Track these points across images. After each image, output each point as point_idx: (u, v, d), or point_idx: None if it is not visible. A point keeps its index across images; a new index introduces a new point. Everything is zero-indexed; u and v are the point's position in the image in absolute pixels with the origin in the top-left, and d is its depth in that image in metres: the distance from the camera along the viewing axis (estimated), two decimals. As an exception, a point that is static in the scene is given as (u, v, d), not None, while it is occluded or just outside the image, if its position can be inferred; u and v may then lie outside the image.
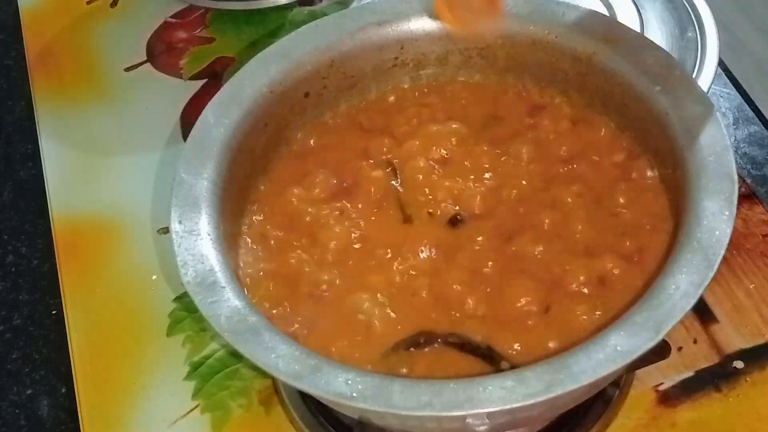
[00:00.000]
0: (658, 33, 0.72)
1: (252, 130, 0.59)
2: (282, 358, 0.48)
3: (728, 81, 0.78)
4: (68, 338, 0.68)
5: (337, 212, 0.59)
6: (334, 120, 0.64)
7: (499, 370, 0.51)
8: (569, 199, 0.57)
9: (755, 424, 0.60)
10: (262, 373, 0.63)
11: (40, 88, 0.84)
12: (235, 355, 0.65)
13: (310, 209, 0.59)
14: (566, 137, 0.61)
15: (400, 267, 0.56)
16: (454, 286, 0.54)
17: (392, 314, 0.54)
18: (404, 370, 0.52)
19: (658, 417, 0.61)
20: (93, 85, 0.84)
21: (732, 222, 0.50)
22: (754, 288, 0.65)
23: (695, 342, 0.64)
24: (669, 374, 0.62)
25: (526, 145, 0.61)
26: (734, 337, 0.63)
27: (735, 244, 0.67)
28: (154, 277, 0.70)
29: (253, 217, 0.59)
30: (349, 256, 0.57)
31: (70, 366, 0.67)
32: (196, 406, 0.64)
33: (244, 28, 0.87)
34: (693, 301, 0.47)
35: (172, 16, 0.89)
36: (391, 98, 0.65)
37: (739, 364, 0.62)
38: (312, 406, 0.62)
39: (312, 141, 0.63)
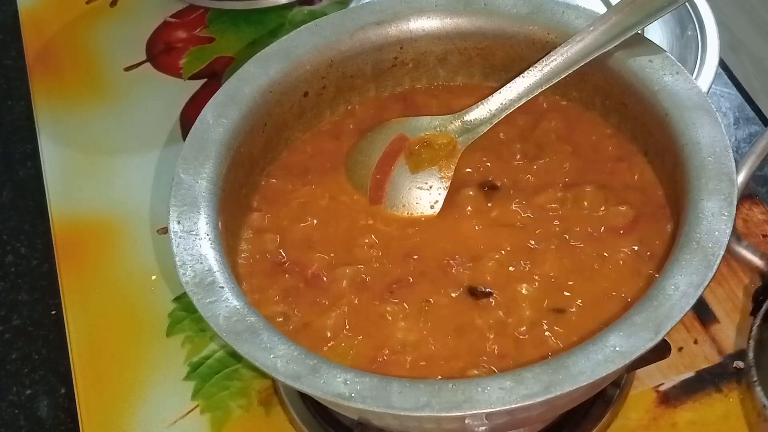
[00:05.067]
0: (658, 32, 0.72)
1: (251, 130, 0.59)
2: (280, 359, 0.48)
3: (728, 81, 0.78)
4: (68, 338, 0.68)
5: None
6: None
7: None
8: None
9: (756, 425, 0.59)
10: (262, 374, 0.63)
11: (40, 88, 0.84)
12: (235, 356, 0.65)
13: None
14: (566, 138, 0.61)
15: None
16: None
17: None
18: None
19: (659, 417, 0.61)
20: (92, 84, 0.84)
21: (731, 222, 0.50)
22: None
23: (696, 342, 0.64)
24: (669, 374, 0.62)
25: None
26: (735, 338, 0.63)
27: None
28: (153, 277, 0.70)
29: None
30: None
31: (70, 366, 0.67)
32: (196, 407, 0.64)
33: (243, 27, 0.87)
34: (692, 302, 0.47)
35: (171, 16, 0.89)
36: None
37: (739, 364, 0.62)
38: (311, 407, 0.62)
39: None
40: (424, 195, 0.59)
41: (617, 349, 0.46)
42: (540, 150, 0.61)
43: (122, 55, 0.86)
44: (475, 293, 0.54)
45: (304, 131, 0.63)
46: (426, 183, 0.59)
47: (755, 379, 0.56)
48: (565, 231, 0.56)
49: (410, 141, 0.61)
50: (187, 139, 0.57)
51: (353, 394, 0.46)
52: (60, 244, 0.73)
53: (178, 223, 0.53)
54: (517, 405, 0.45)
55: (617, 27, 0.57)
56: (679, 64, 0.57)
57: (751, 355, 0.57)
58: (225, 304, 0.50)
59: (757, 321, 0.59)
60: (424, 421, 0.48)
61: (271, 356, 0.48)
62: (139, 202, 0.74)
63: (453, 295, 0.55)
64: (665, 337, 0.47)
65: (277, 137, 0.62)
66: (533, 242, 0.56)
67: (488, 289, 0.54)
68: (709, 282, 0.48)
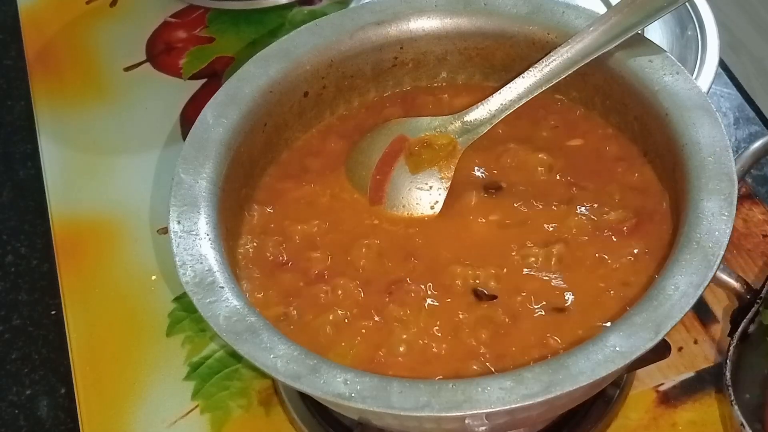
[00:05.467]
0: (658, 32, 0.72)
1: (251, 130, 0.59)
2: (280, 359, 0.48)
3: (728, 81, 0.78)
4: (67, 338, 0.68)
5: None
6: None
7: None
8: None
9: (755, 425, 0.59)
10: (262, 374, 0.63)
11: (40, 88, 0.84)
12: (235, 356, 0.65)
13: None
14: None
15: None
16: None
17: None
18: None
19: (659, 417, 0.61)
20: (92, 84, 0.84)
21: (731, 222, 0.50)
22: (754, 288, 0.65)
23: (696, 342, 0.64)
24: (669, 374, 0.62)
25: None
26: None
27: (735, 244, 0.67)
28: (153, 277, 0.70)
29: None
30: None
31: (70, 366, 0.67)
32: (196, 407, 0.64)
33: (243, 27, 0.87)
34: (692, 302, 0.47)
35: (171, 16, 0.89)
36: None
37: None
38: (311, 407, 0.62)
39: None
40: (424, 195, 0.59)
41: (617, 349, 0.46)
42: (540, 150, 0.61)
43: (122, 55, 0.86)
44: (478, 295, 0.54)
45: (304, 131, 0.63)
46: (426, 183, 0.59)
47: (733, 398, 0.56)
48: (565, 231, 0.56)
49: (410, 141, 0.61)
50: (187, 139, 0.57)
51: (353, 394, 0.46)
52: (60, 244, 0.73)
53: (178, 223, 0.53)
54: (517, 405, 0.45)
55: (617, 27, 0.57)
56: (679, 64, 0.57)
57: (728, 375, 0.57)
58: (225, 304, 0.50)
59: (734, 342, 0.59)
60: (424, 421, 0.48)
61: (271, 356, 0.48)
62: (139, 202, 0.74)
63: (452, 295, 0.55)
64: (665, 337, 0.47)
65: (277, 137, 0.62)
66: (534, 243, 0.56)
67: (491, 291, 0.54)
68: (709, 282, 0.48)
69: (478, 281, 0.55)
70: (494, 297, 0.54)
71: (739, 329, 0.59)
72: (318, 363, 0.47)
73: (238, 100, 0.59)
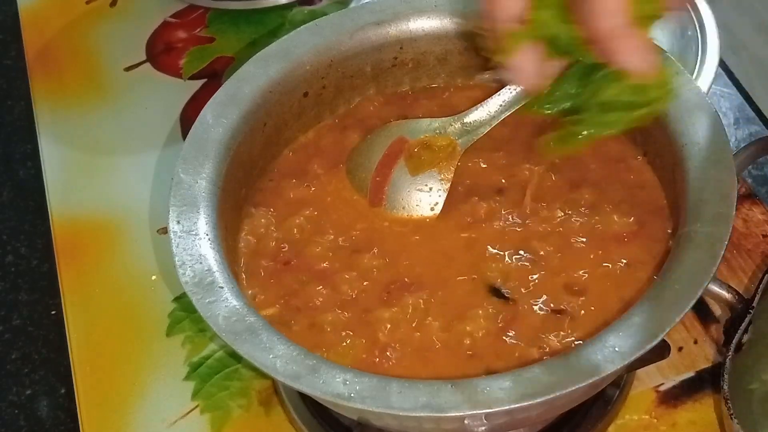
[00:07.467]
0: (658, 32, 0.72)
1: (251, 130, 0.59)
2: (280, 359, 0.48)
3: (728, 81, 0.78)
4: (67, 338, 0.68)
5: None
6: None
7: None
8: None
9: (755, 425, 0.59)
10: (262, 374, 0.63)
11: (40, 88, 0.84)
12: (235, 356, 0.65)
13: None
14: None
15: None
16: None
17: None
18: None
19: (659, 417, 0.61)
20: (92, 85, 0.84)
21: (731, 222, 0.50)
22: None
23: (696, 342, 0.64)
24: (669, 374, 0.62)
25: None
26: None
27: (735, 244, 0.67)
28: (153, 277, 0.70)
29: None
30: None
31: (70, 366, 0.67)
32: (196, 407, 0.64)
33: (243, 27, 0.87)
34: (692, 302, 0.47)
35: (171, 16, 0.89)
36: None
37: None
38: (311, 407, 0.62)
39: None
40: (424, 197, 0.59)
41: (617, 349, 0.46)
42: (540, 152, 0.61)
43: (122, 55, 0.86)
44: (495, 293, 0.54)
45: (304, 131, 0.63)
46: (426, 185, 0.59)
47: (732, 412, 0.56)
48: (566, 231, 0.56)
49: (410, 143, 0.61)
50: (186, 138, 0.57)
51: (353, 394, 0.46)
52: (60, 244, 0.73)
53: (178, 223, 0.53)
54: (517, 405, 0.45)
55: None
56: (679, 64, 0.57)
57: (725, 387, 0.57)
58: (224, 304, 0.50)
59: (730, 353, 0.58)
60: (424, 421, 0.48)
61: (271, 356, 0.48)
62: (139, 202, 0.75)
63: (452, 295, 0.55)
64: (665, 337, 0.47)
65: (277, 137, 0.62)
66: (534, 243, 0.56)
67: (506, 290, 0.54)
68: (709, 282, 0.48)
69: (476, 282, 0.55)
70: (513, 300, 0.54)
71: (734, 341, 0.59)
72: (317, 363, 0.47)
73: (237, 100, 0.59)
